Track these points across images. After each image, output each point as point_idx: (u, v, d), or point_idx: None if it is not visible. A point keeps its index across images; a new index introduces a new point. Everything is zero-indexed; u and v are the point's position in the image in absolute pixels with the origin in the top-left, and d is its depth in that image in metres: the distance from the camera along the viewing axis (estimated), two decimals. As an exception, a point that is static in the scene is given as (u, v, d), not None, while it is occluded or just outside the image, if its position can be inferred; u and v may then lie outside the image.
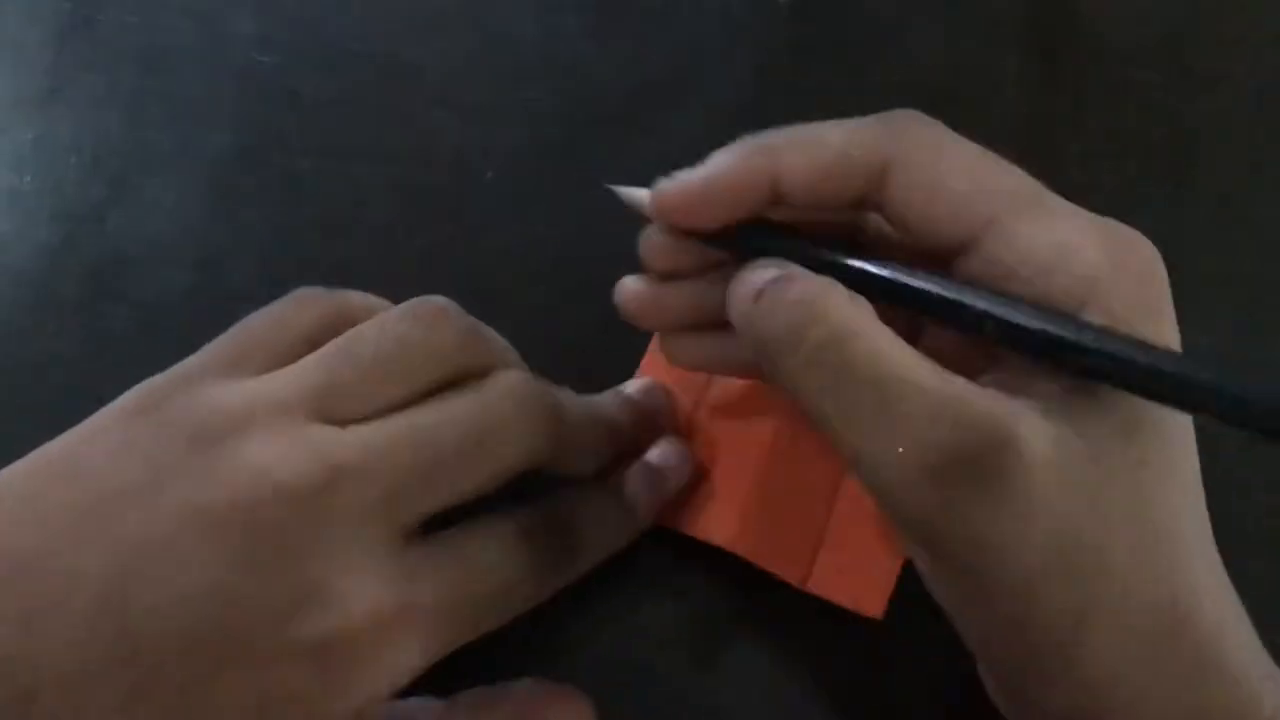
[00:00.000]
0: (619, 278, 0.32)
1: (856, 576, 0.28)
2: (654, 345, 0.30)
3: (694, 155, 0.33)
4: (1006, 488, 0.20)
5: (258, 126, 0.34)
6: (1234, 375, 0.19)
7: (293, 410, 0.23)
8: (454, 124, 0.34)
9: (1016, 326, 0.21)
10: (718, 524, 0.28)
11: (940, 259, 0.23)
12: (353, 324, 0.25)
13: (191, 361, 0.25)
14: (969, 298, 0.21)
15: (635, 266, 0.32)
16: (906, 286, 0.22)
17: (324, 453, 0.22)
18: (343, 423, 0.23)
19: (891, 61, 0.34)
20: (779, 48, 0.34)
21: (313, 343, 0.24)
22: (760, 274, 0.23)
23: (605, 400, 0.29)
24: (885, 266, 0.22)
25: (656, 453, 0.28)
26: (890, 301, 0.22)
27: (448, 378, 0.24)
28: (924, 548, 0.22)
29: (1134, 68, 0.34)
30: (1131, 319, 0.21)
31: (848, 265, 0.23)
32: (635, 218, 0.30)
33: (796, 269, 0.23)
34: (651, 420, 0.29)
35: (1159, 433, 0.21)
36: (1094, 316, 0.21)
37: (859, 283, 0.22)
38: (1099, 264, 0.21)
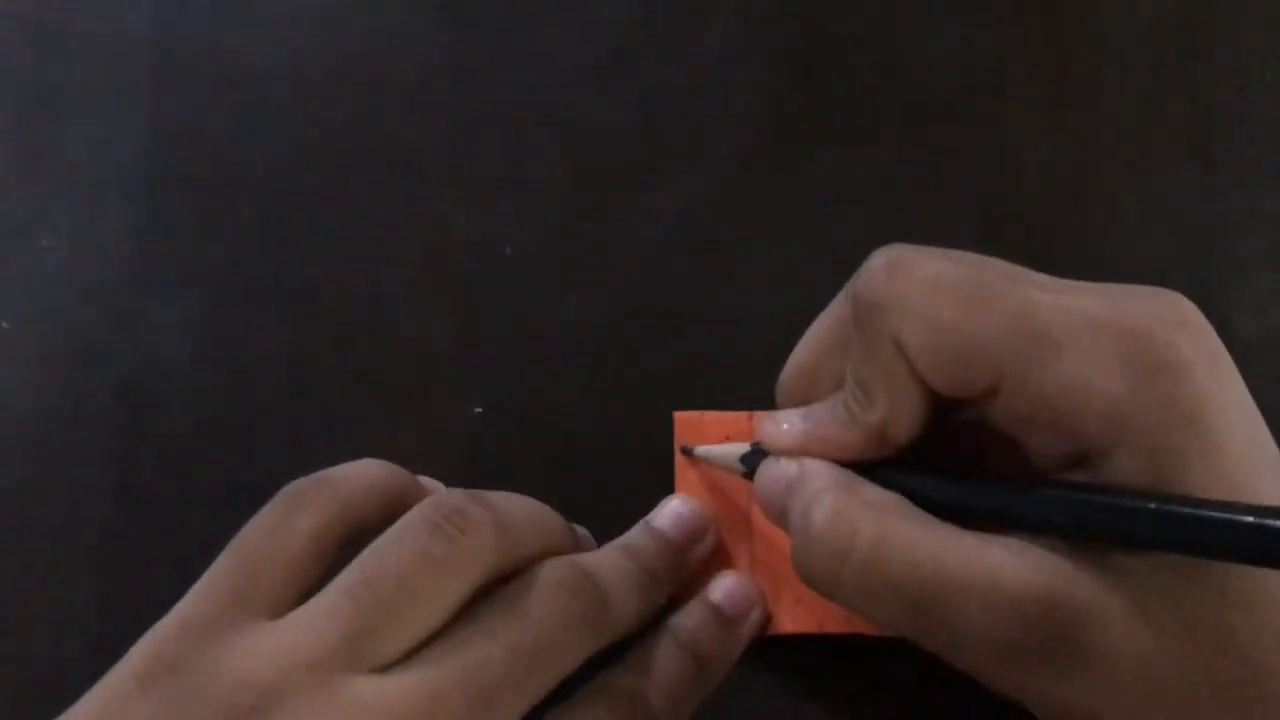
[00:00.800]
0: (657, 338, 0.30)
1: None
2: (680, 458, 0.29)
3: (712, 204, 0.32)
4: (1085, 661, 0.20)
5: (259, 234, 0.32)
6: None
7: (326, 667, 0.21)
8: (462, 202, 0.32)
9: (1049, 523, 0.21)
10: (804, 613, 0.27)
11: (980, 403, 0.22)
12: (359, 516, 0.23)
13: (196, 601, 0.22)
14: (992, 500, 0.22)
15: (670, 322, 0.30)
16: (930, 499, 0.22)
17: None
18: (381, 667, 0.21)
19: (900, 65, 0.33)
20: (781, 80, 0.33)
21: (319, 548, 0.23)
22: (778, 474, 0.24)
23: (641, 548, 0.27)
24: (907, 475, 0.23)
25: (721, 593, 0.27)
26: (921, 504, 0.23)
27: (483, 586, 0.23)
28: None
29: (1149, 43, 0.33)
30: (1168, 443, 0.20)
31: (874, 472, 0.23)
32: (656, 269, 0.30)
33: (812, 465, 0.24)
34: (693, 543, 0.28)
35: None
36: (1126, 461, 0.20)
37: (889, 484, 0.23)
38: (1118, 398, 0.20)
